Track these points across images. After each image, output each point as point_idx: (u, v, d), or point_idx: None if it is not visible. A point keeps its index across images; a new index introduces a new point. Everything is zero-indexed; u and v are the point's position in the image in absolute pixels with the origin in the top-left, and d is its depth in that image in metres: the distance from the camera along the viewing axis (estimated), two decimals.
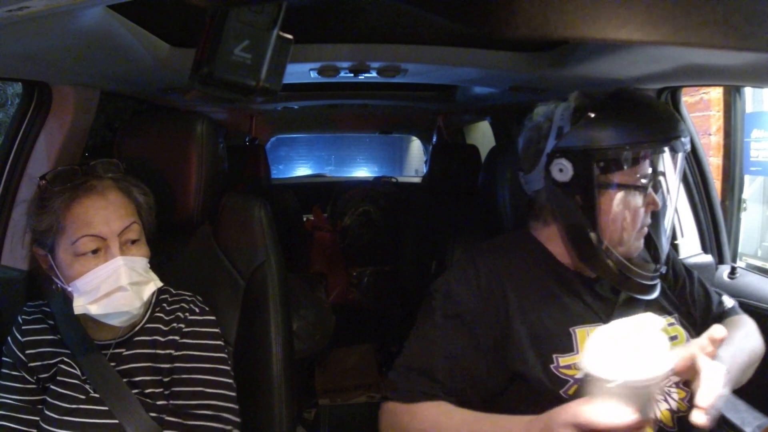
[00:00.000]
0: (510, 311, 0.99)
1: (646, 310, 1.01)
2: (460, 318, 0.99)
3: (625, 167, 0.96)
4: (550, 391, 0.94)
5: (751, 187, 2.13)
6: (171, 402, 1.03)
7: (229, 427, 1.04)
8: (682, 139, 0.97)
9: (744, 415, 1.17)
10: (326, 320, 2.55)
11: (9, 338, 1.04)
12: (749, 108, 2.01)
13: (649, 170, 1.00)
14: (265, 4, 0.54)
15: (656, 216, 1.05)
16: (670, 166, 1.02)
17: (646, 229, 1.03)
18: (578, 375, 0.94)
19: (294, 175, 4.87)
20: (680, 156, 1.01)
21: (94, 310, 0.95)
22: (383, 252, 3.12)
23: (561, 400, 0.87)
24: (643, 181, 0.99)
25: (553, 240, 1.08)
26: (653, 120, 0.97)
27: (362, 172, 5.54)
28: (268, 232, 1.34)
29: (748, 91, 1.98)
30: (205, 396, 1.03)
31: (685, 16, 0.55)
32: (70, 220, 0.95)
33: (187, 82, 0.56)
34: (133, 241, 1.00)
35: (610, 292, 1.05)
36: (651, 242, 1.08)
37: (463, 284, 1.03)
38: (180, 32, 1.20)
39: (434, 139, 3.52)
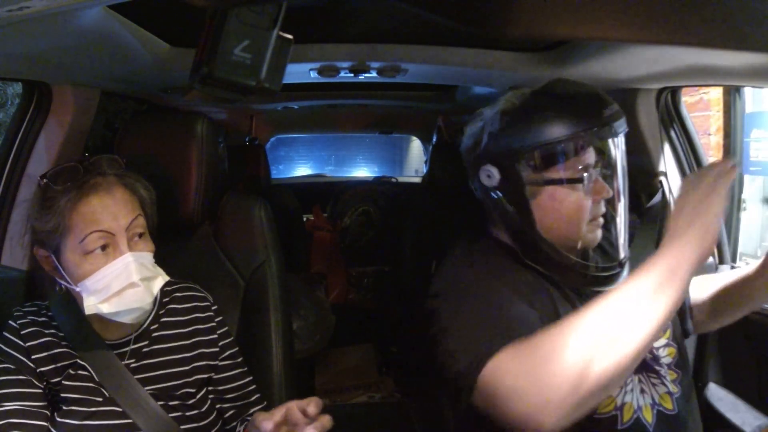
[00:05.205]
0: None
1: None
2: (504, 288, 0.93)
3: (557, 162, 0.94)
4: None
5: (751, 187, 2.13)
6: (220, 387, 1.12)
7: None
8: (614, 125, 0.92)
9: (744, 415, 1.17)
10: (326, 320, 2.56)
11: (4, 344, 0.99)
12: (749, 108, 2.00)
13: (588, 160, 0.96)
14: (265, 4, 0.54)
15: (611, 202, 1.01)
16: (610, 152, 0.98)
17: (601, 219, 0.99)
18: None
19: (294, 175, 4.86)
20: (617, 140, 0.97)
21: (105, 308, 0.95)
22: (383, 252, 3.11)
23: None
24: (578, 172, 0.95)
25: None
26: (575, 112, 0.93)
27: (362, 172, 5.52)
28: (268, 232, 1.34)
29: (748, 91, 1.97)
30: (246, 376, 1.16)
31: (685, 16, 0.55)
32: (77, 218, 0.94)
33: (187, 82, 0.56)
34: (140, 235, 1.00)
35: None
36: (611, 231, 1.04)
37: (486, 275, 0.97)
38: (180, 32, 1.20)
39: (434, 139, 3.52)
